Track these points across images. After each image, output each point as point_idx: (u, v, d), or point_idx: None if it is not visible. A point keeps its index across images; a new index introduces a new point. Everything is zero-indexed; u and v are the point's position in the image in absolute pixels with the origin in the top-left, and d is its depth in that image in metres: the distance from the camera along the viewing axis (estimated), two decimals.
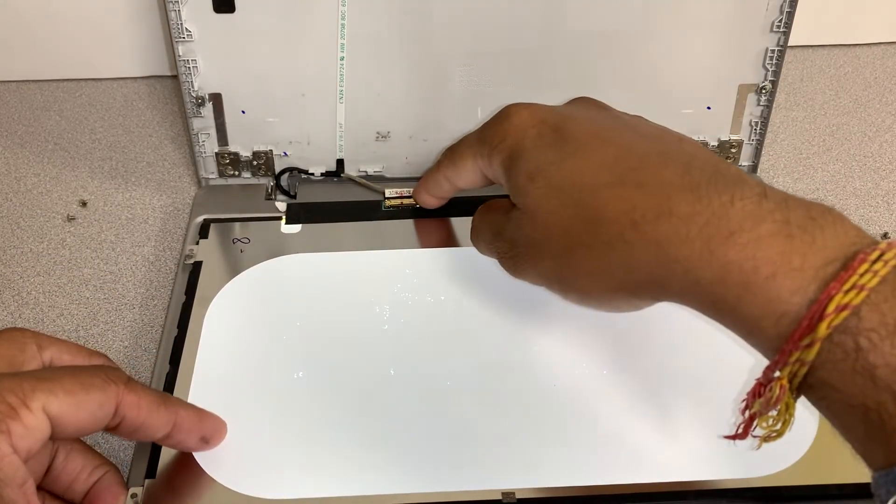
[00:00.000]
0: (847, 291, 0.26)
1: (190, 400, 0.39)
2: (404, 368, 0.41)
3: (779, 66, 0.50)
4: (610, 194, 0.32)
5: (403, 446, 0.38)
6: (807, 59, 0.65)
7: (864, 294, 0.26)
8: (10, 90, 0.62)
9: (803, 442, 0.37)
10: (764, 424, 0.29)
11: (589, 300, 0.35)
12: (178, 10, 0.47)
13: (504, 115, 0.39)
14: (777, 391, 0.27)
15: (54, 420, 0.30)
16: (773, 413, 0.28)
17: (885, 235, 0.52)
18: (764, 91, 0.51)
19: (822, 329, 0.26)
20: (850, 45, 0.67)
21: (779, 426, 0.28)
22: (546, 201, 0.34)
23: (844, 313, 0.26)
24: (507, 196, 0.38)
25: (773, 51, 0.49)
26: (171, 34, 0.48)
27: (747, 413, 0.29)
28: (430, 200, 0.47)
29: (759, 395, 0.28)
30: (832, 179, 0.56)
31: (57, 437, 0.31)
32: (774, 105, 0.51)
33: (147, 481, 0.36)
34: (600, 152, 0.34)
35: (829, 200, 0.54)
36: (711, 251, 0.28)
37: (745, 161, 0.53)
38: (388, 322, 0.43)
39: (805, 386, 0.27)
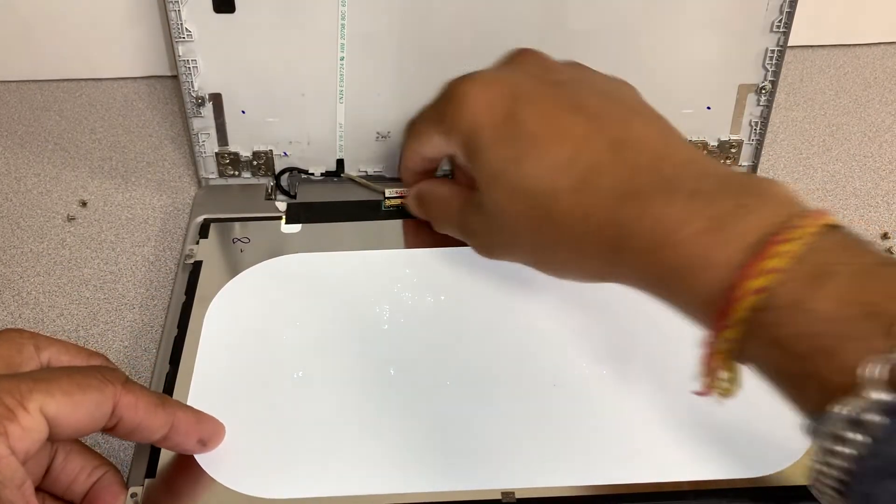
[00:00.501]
0: (759, 275, 0.29)
1: (190, 400, 0.39)
2: (404, 368, 0.41)
3: (779, 66, 0.50)
4: (569, 200, 0.35)
5: (403, 446, 0.38)
6: (807, 59, 0.65)
7: (773, 277, 0.29)
8: (10, 90, 0.62)
9: (802, 442, 0.37)
10: (717, 388, 0.32)
11: (565, 279, 0.38)
12: (178, 11, 0.47)
13: (454, 95, 0.39)
14: (714, 363, 0.31)
15: (52, 421, 0.30)
16: (724, 377, 0.32)
17: (884, 236, 0.52)
18: (764, 91, 0.51)
19: (738, 311, 0.29)
20: (850, 45, 0.67)
21: (731, 386, 0.32)
22: (510, 204, 0.37)
23: (754, 298, 0.29)
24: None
25: (773, 51, 0.49)
26: (171, 34, 0.48)
27: (704, 379, 0.33)
28: (413, 179, 0.46)
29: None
30: (832, 179, 0.56)
31: (55, 438, 0.31)
32: (774, 105, 0.51)
33: (147, 481, 0.36)
34: (555, 151, 0.36)
35: (829, 200, 0.54)
36: (651, 252, 0.32)
37: (745, 161, 0.53)
38: (388, 322, 0.43)
39: (737, 355, 0.31)
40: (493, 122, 0.38)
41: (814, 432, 0.28)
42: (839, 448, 0.26)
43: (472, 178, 0.40)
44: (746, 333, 0.30)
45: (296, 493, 0.36)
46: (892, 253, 0.51)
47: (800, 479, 0.36)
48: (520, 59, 0.42)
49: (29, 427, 0.30)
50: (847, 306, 0.27)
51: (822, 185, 0.55)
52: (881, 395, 0.25)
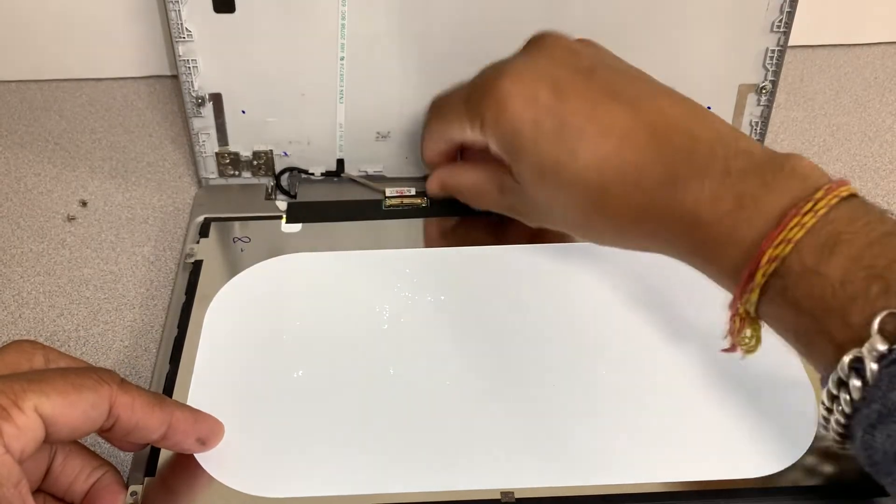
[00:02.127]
0: (777, 245, 0.32)
1: (190, 399, 0.39)
2: (404, 368, 0.41)
3: (779, 66, 0.50)
4: (615, 192, 0.38)
5: (402, 445, 0.38)
6: (807, 59, 0.65)
7: (790, 247, 0.32)
8: (10, 90, 0.62)
9: (802, 442, 0.37)
10: (742, 345, 0.36)
11: (607, 246, 0.41)
12: (178, 10, 0.47)
13: (493, 88, 0.40)
14: (737, 323, 0.35)
15: (47, 420, 0.30)
16: (748, 335, 0.36)
17: None
18: (764, 91, 0.51)
19: (758, 277, 0.33)
20: (850, 45, 0.67)
21: (753, 343, 0.36)
22: (558, 197, 0.40)
23: (774, 264, 0.32)
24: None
25: (773, 51, 0.49)
26: (171, 34, 0.48)
27: (729, 339, 0.36)
28: (437, 158, 0.47)
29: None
30: None
31: (52, 439, 0.31)
32: (774, 105, 0.51)
33: (147, 479, 0.36)
34: (601, 146, 0.38)
35: None
36: (687, 233, 0.36)
37: None
38: (388, 322, 0.43)
39: (757, 316, 0.35)
40: (535, 119, 0.39)
41: (822, 381, 0.31)
42: (842, 395, 0.30)
43: (496, 158, 0.42)
44: (765, 296, 0.33)
45: (295, 492, 0.36)
46: None
47: (799, 480, 0.36)
48: (544, 45, 0.42)
49: (24, 426, 0.30)
50: (853, 271, 0.31)
51: None
52: (878, 346, 0.29)
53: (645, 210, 0.37)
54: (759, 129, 0.52)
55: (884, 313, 0.29)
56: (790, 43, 0.49)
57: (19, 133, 0.59)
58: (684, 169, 0.36)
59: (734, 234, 0.34)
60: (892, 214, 0.33)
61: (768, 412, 0.39)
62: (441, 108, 0.45)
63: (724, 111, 0.51)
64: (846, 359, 0.30)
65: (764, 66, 0.50)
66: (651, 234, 0.38)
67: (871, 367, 0.29)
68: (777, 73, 0.50)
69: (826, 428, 0.33)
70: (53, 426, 0.31)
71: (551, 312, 0.44)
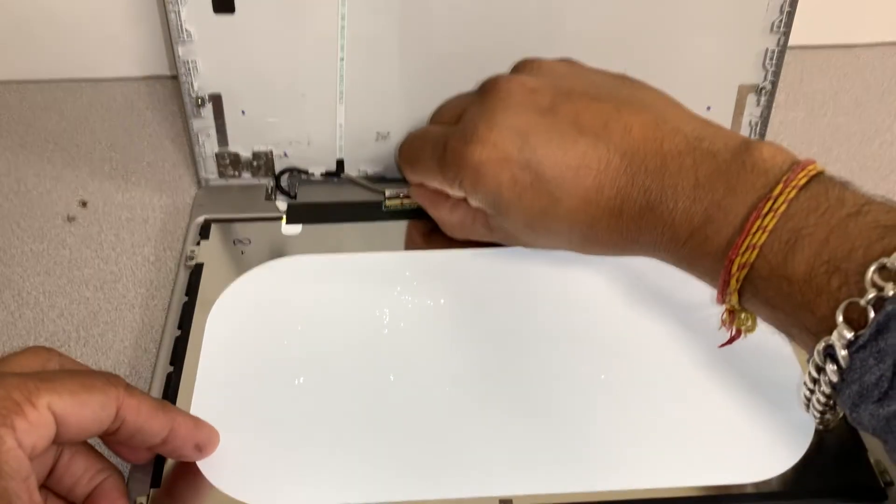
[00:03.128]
0: (744, 252, 0.34)
1: (193, 409, 0.39)
2: (403, 374, 0.41)
3: (779, 66, 0.50)
4: (603, 226, 0.40)
5: (402, 453, 0.38)
6: (807, 59, 0.65)
7: (756, 252, 0.34)
8: (10, 90, 0.62)
9: (799, 447, 0.37)
10: (741, 325, 0.38)
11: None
12: (178, 11, 0.47)
13: (462, 159, 0.41)
14: (727, 316, 0.38)
15: (59, 419, 0.31)
16: (743, 317, 0.38)
17: None
18: (764, 91, 0.51)
19: (733, 284, 0.35)
20: (850, 45, 0.66)
21: (749, 323, 0.38)
22: (551, 240, 0.42)
23: (744, 270, 0.35)
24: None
25: (773, 51, 0.49)
26: (171, 35, 0.48)
27: (727, 326, 0.39)
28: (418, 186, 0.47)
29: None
30: None
31: (61, 439, 0.31)
32: (774, 105, 0.51)
33: (152, 490, 0.36)
34: (582, 187, 0.39)
35: None
36: (671, 251, 0.38)
37: None
38: (388, 326, 0.43)
39: (743, 312, 0.37)
40: (513, 178, 0.40)
41: (808, 361, 0.33)
42: (822, 377, 0.32)
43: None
44: (742, 297, 0.36)
45: (297, 502, 0.36)
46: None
47: (795, 484, 0.36)
48: (500, 93, 0.41)
49: (36, 422, 0.30)
50: (815, 266, 0.33)
51: None
52: (844, 334, 0.31)
53: (631, 238, 0.39)
54: (758, 129, 0.52)
55: (845, 303, 0.31)
56: (790, 43, 0.49)
57: (19, 133, 0.59)
58: (657, 193, 0.38)
59: (706, 247, 0.36)
60: (852, 187, 0.35)
61: (767, 416, 0.39)
62: (413, 164, 0.45)
63: (724, 111, 0.51)
64: (819, 347, 0.32)
65: (764, 67, 0.50)
66: (638, 252, 0.40)
67: (842, 353, 0.31)
68: (777, 74, 0.50)
69: (808, 405, 0.35)
70: (64, 425, 0.31)
71: (551, 316, 0.43)
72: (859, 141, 0.59)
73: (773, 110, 0.51)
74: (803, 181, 0.34)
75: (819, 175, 0.35)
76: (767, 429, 0.38)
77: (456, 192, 0.43)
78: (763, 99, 0.51)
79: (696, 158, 0.37)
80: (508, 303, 0.44)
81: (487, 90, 0.42)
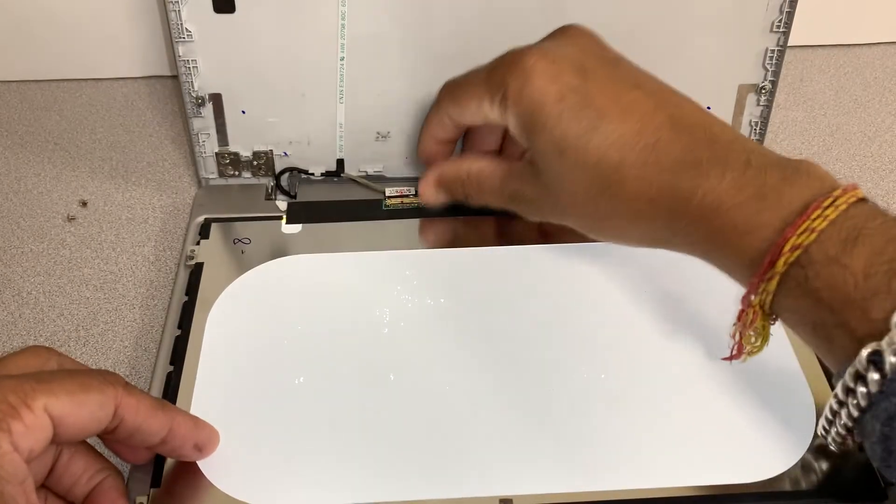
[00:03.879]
0: (800, 234, 0.32)
1: (193, 406, 0.39)
2: (403, 374, 0.41)
3: (779, 66, 0.50)
4: (633, 174, 0.37)
5: (402, 453, 0.38)
6: (807, 59, 0.65)
7: (814, 235, 0.32)
8: (10, 90, 0.62)
9: (799, 447, 0.37)
10: (747, 345, 0.36)
11: (614, 242, 0.41)
12: (178, 11, 0.47)
13: (518, 62, 0.40)
14: (751, 315, 0.35)
15: (56, 420, 0.31)
16: (754, 334, 0.35)
17: None
18: (764, 91, 0.51)
19: (780, 265, 0.33)
20: (850, 45, 0.67)
21: (759, 343, 0.36)
22: (574, 174, 0.39)
23: (797, 252, 0.32)
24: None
25: (773, 51, 0.49)
26: (171, 34, 0.48)
27: (737, 336, 0.36)
28: (435, 148, 0.47)
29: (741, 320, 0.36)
30: None
31: (59, 440, 0.31)
32: (774, 105, 0.51)
33: (152, 490, 0.36)
34: (623, 126, 0.38)
35: None
36: (706, 219, 0.35)
37: None
38: (388, 325, 0.43)
39: (773, 309, 0.34)
40: (560, 96, 0.39)
41: (838, 375, 0.31)
42: (859, 388, 0.30)
43: (506, 148, 0.44)
44: (783, 286, 0.33)
45: (297, 502, 0.36)
46: None
47: (796, 485, 0.36)
48: (572, 34, 0.42)
49: (33, 425, 0.30)
50: (876, 265, 0.31)
51: None
52: None
53: (662, 192, 0.36)
54: (758, 129, 0.52)
55: None
56: (790, 43, 0.49)
57: (19, 133, 0.59)
58: (706, 154, 0.36)
59: (755, 221, 0.34)
60: None
61: (767, 416, 0.39)
62: (455, 88, 0.44)
63: (724, 111, 0.51)
64: (864, 352, 0.30)
65: (764, 67, 0.50)
66: (665, 220, 0.37)
67: (891, 360, 0.29)
68: (777, 74, 0.50)
69: (830, 424, 0.33)
70: (61, 426, 0.31)
71: (552, 315, 0.43)
72: (859, 141, 0.59)
73: (773, 110, 0.51)
74: (860, 195, 0.33)
75: (867, 200, 0.34)
76: (767, 429, 0.38)
77: (493, 113, 0.42)
78: (763, 99, 0.51)
79: (748, 149, 0.36)
80: (508, 302, 0.44)
81: (561, 30, 0.43)
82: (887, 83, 0.64)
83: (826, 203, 0.33)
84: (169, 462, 0.37)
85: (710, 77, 0.50)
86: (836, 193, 0.33)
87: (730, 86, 0.51)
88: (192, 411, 0.39)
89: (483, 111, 0.42)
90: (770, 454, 0.37)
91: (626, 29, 0.49)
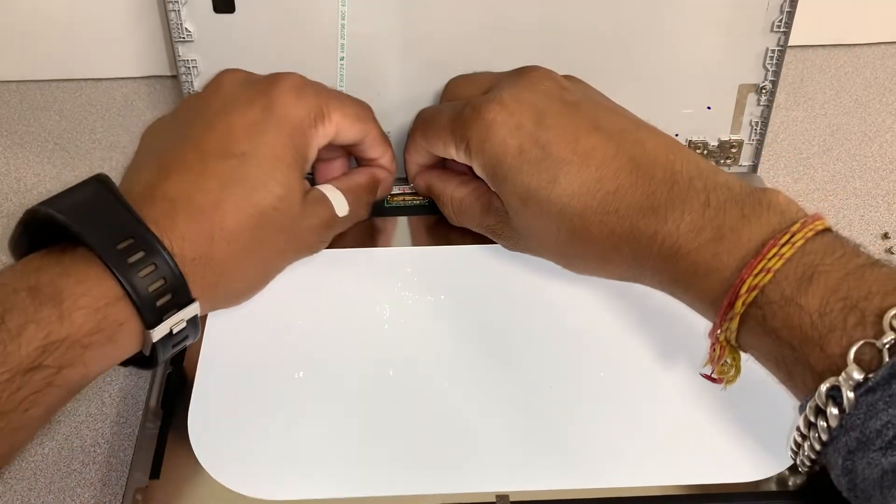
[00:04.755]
0: (756, 275, 0.33)
1: (193, 400, 0.39)
2: (402, 370, 0.41)
3: (779, 66, 0.50)
4: (595, 220, 0.38)
5: (400, 448, 0.38)
6: (807, 59, 0.65)
7: (769, 276, 0.33)
8: (10, 90, 0.62)
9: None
10: (722, 375, 0.37)
11: (590, 276, 0.42)
12: (178, 11, 0.47)
13: (478, 115, 0.41)
14: (718, 350, 0.36)
15: (335, 131, 0.43)
16: (728, 363, 0.37)
17: (885, 236, 0.52)
18: (764, 91, 0.51)
19: (738, 306, 0.34)
20: (850, 45, 0.67)
21: (732, 374, 0.37)
22: (540, 223, 0.41)
23: (754, 293, 0.33)
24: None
25: (773, 51, 0.49)
26: (170, 34, 0.48)
27: (709, 368, 0.38)
28: (421, 170, 0.48)
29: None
30: (832, 179, 0.56)
31: (333, 142, 0.44)
32: (774, 105, 0.51)
33: (150, 481, 0.36)
34: (582, 174, 0.39)
35: (830, 200, 0.54)
36: (669, 261, 0.37)
37: (745, 161, 0.53)
38: (388, 322, 0.43)
39: (738, 344, 0.35)
40: (519, 150, 0.40)
41: (800, 409, 0.32)
42: (819, 422, 0.31)
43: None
44: (744, 325, 0.34)
45: (294, 494, 0.36)
46: (892, 252, 0.51)
47: (789, 485, 0.37)
48: (532, 77, 0.42)
49: (327, 130, 0.43)
50: (831, 302, 0.32)
51: (822, 185, 0.55)
52: (854, 375, 0.30)
53: (624, 238, 0.38)
54: (759, 129, 0.52)
55: (860, 343, 0.30)
56: (790, 43, 0.49)
57: (19, 133, 0.59)
58: (665, 198, 0.37)
59: (714, 263, 0.35)
60: (864, 248, 0.34)
61: (764, 416, 0.39)
62: (425, 127, 0.46)
63: (724, 111, 0.51)
64: (823, 387, 0.31)
65: (764, 66, 0.50)
66: (631, 262, 0.38)
67: (848, 395, 0.30)
68: (777, 73, 0.50)
69: (796, 454, 0.34)
70: (337, 136, 0.44)
71: (550, 314, 0.44)
72: (859, 141, 0.59)
73: (773, 110, 0.51)
74: (820, 227, 0.34)
75: (831, 230, 0.34)
76: (765, 428, 0.38)
77: (461, 157, 0.43)
78: (763, 98, 0.51)
79: (709, 185, 0.37)
80: (508, 300, 0.44)
81: (522, 72, 0.43)
82: (887, 83, 0.64)
83: (783, 240, 0.33)
84: (168, 454, 0.37)
85: (711, 77, 0.50)
86: (794, 228, 0.34)
87: (730, 86, 0.51)
88: (192, 405, 0.39)
89: (450, 153, 0.44)
90: (768, 453, 0.37)
91: (626, 29, 0.49)
